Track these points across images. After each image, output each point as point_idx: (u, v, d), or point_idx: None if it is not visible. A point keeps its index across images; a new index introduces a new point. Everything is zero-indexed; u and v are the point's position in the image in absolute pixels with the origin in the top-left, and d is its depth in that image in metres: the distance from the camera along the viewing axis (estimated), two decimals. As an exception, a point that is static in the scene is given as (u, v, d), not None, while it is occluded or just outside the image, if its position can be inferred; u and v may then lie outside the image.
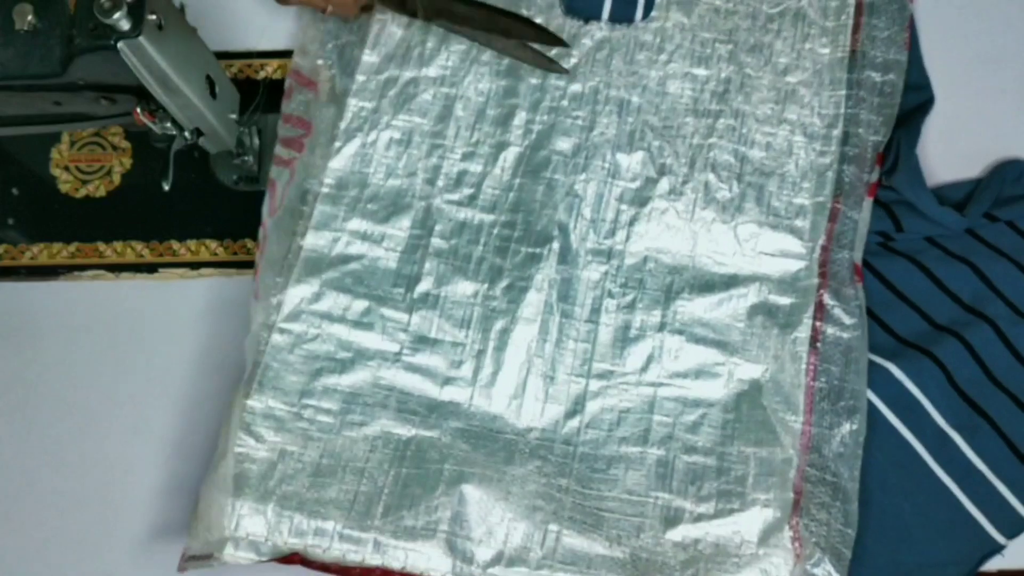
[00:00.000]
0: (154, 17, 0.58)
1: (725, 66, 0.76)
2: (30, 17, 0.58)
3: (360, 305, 0.70)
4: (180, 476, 0.70)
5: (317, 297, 0.70)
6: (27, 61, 0.58)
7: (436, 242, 0.72)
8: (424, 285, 0.70)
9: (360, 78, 0.76)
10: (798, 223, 0.71)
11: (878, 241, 0.74)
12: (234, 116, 0.73)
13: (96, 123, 0.72)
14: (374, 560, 0.62)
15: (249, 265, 0.74)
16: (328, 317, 0.69)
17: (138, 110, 0.66)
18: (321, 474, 0.65)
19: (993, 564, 0.66)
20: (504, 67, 0.76)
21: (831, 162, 0.72)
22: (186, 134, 0.69)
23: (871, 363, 0.69)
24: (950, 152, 0.77)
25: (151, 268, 0.76)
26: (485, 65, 0.76)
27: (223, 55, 0.80)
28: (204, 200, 0.78)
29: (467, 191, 0.73)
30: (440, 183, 0.73)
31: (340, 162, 0.74)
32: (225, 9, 0.83)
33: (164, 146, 0.71)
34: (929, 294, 0.71)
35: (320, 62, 0.77)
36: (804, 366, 0.67)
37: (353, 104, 0.75)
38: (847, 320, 0.68)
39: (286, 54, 0.81)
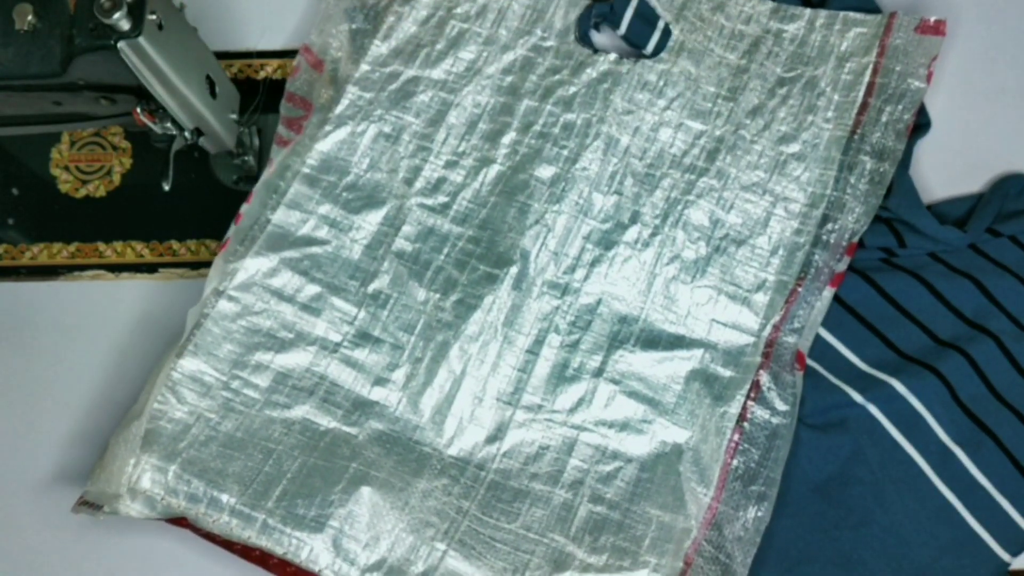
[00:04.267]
0: (154, 17, 0.58)
1: (721, 124, 0.75)
2: (30, 17, 0.58)
3: (312, 289, 0.70)
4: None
5: (273, 273, 0.70)
6: (27, 61, 0.58)
7: (400, 243, 0.72)
8: (379, 283, 0.71)
9: (365, 67, 0.76)
10: (757, 298, 0.70)
11: (881, 257, 0.74)
12: (234, 116, 0.73)
13: (96, 123, 0.72)
14: (259, 540, 0.63)
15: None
16: (278, 295, 0.70)
17: (138, 110, 0.66)
18: (231, 447, 0.65)
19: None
20: (507, 84, 0.76)
21: (804, 242, 0.71)
22: (186, 134, 0.69)
23: (874, 379, 0.69)
24: (951, 159, 0.77)
25: (151, 268, 0.76)
26: (488, 78, 0.76)
27: (223, 55, 0.80)
28: (204, 200, 0.78)
29: (442, 199, 0.73)
30: (418, 185, 0.73)
31: (327, 145, 0.74)
32: (225, 9, 0.83)
33: (164, 146, 0.72)
34: (932, 309, 0.71)
35: (333, 43, 0.77)
36: (726, 442, 0.66)
37: (352, 92, 0.75)
38: (779, 406, 0.67)
39: (286, 54, 0.81)
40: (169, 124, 0.68)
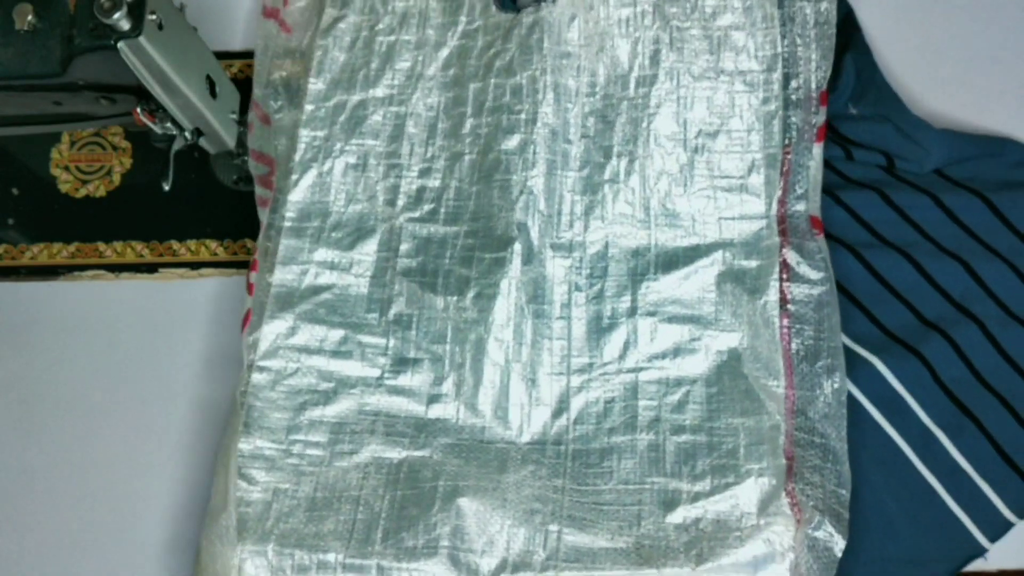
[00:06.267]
0: (154, 17, 0.58)
1: (651, 23, 0.74)
2: (30, 17, 0.58)
3: (336, 334, 0.69)
4: (184, 495, 0.70)
5: (292, 331, 0.69)
6: (27, 61, 0.58)
7: (403, 262, 0.71)
8: (397, 307, 0.70)
9: (309, 107, 0.75)
10: (752, 180, 0.71)
11: (878, 177, 0.73)
12: (234, 116, 0.73)
13: (96, 123, 0.73)
14: None
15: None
16: (306, 350, 0.69)
17: (138, 110, 0.66)
18: (317, 507, 0.64)
19: (993, 564, 0.66)
20: (451, 78, 0.76)
21: (776, 109, 0.71)
22: (186, 134, 0.69)
23: (857, 356, 0.69)
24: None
25: (151, 268, 0.76)
26: (431, 80, 0.76)
27: (223, 55, 0.80)
28: (204, 200, 0.78)
29: (428, 207, 0.73)
30: (401, 202, 0.73)
31: (299, 194, 0.73)
32: (225, 9, 0.83)
33: (164, 146, 0.72)
34: (918, 288, 0.71)
35: (270, 93, 0.77)
36: (778, 330, 0.67)
37: (305, 135, 0.75)
38: (813, 275, 0.68)
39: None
40: (169, 124, 0.68)
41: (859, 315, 0.71)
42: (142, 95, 0.64)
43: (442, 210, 0.73)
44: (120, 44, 0.57)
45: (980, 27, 0.81)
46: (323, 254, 0.72)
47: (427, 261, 0.71)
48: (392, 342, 0.69)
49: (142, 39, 0.57)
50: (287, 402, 0.67)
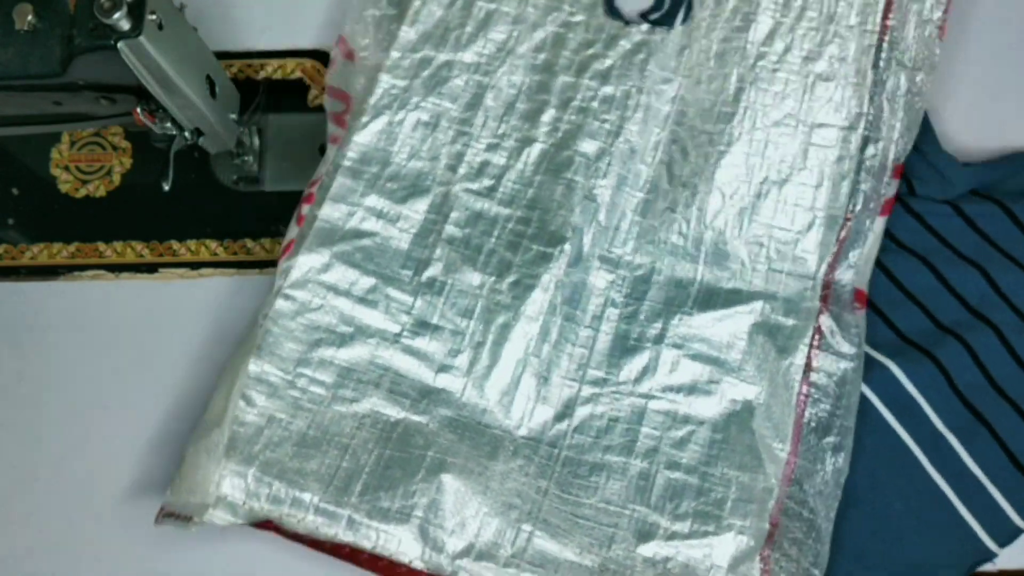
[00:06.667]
0: (154, 17, 0.58)
1: (739, 59, 0.73)
2: (30, 17, 0.58)
3: (367, 282, 0.69)
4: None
5: (326, 268, 0.69)
6: (27, 61, 0.58)
7: (450, 229, 0.71)
8: (432, 270, 0.70)
9: (395, 54, 0.75)
10: (808, 237, 0.69)
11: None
12: (234, 116, 0.73)
13: (96, 123, 0.73)
14: (346, 536, 0.62)
15: (249, 265, 0.75)
16: (334, 289, 0.69)
17: (138, 110, 0.66)
18: (306, 445, 0.65)
19: (992, 564, 0.66)
20: (540, 62, 0.76)
21: (848, 170, 0.69)
22: (186, 134, 0.69)
23: (872, 360, 0.69)
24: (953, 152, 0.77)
25: (151, 268, 0.76)
26: (521, 58, 0.76)
27: (223, 55, 0.80)
28: (204, 200, 0.78)
29: (487, 182, 0.73)
30: (462, 171, 0.73)
31: (365, 137, 0.73)
32: (225, 9, 0.83)
33: (164, 146, 0.72)
34: (935, 293, 0.71)
35: (360, 30, 0.76)
36: (795, 395, 0.65)
37: (385, 80, 0.75)
38: (845, 349, 0.66)
39: (286, 54, 0.81)
40: (169, 124, 0.68)
41: (876, 319, 0.70)
42: (142, 95, 0.64)
43: (500, 189, 0.73)
44: (120, 44, 0.57)
45: (997, 25, 0.80)
46: (374, 201, 0.72)
47: (473, 235, 0.71)
48: (419, 303, 0.69)
49: (142, 39, 0.57)
50: (303, 335, 0.68)
